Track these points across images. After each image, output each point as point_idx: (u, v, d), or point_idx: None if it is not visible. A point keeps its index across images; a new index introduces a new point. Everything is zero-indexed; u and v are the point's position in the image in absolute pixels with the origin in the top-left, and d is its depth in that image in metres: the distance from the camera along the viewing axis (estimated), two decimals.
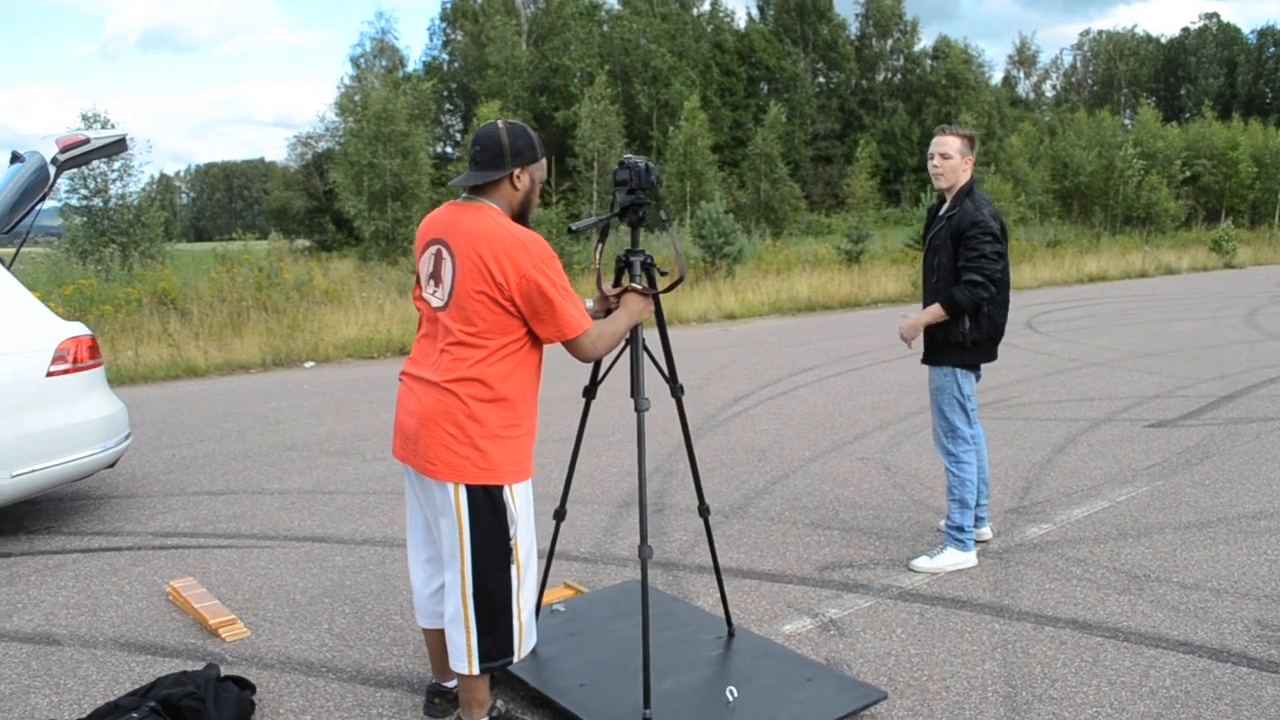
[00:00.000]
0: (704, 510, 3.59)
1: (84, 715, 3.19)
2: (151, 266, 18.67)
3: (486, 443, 2.77)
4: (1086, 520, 5.24)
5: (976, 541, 4.73)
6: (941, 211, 4.54)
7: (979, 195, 4.42)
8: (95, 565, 4.77)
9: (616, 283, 3.20)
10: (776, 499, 5.68)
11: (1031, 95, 73.80)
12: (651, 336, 3.34)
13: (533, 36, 51.98)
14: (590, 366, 3.33)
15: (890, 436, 7.14)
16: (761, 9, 65.60)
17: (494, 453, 2.78)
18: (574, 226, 3.25)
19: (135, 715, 3.03)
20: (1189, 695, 3.38)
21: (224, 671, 3.40)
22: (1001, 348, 4.63)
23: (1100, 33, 76.51)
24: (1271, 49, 71.23)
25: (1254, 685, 3.44)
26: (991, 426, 7.41)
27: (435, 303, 2.82)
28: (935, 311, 4.41)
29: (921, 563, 4.52)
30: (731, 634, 3.67)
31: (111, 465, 5.60)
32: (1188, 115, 48.25)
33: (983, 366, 4.58)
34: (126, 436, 5.65)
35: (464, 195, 2.86)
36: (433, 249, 2.83)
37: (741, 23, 63.25)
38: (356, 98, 31.46)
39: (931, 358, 4.57)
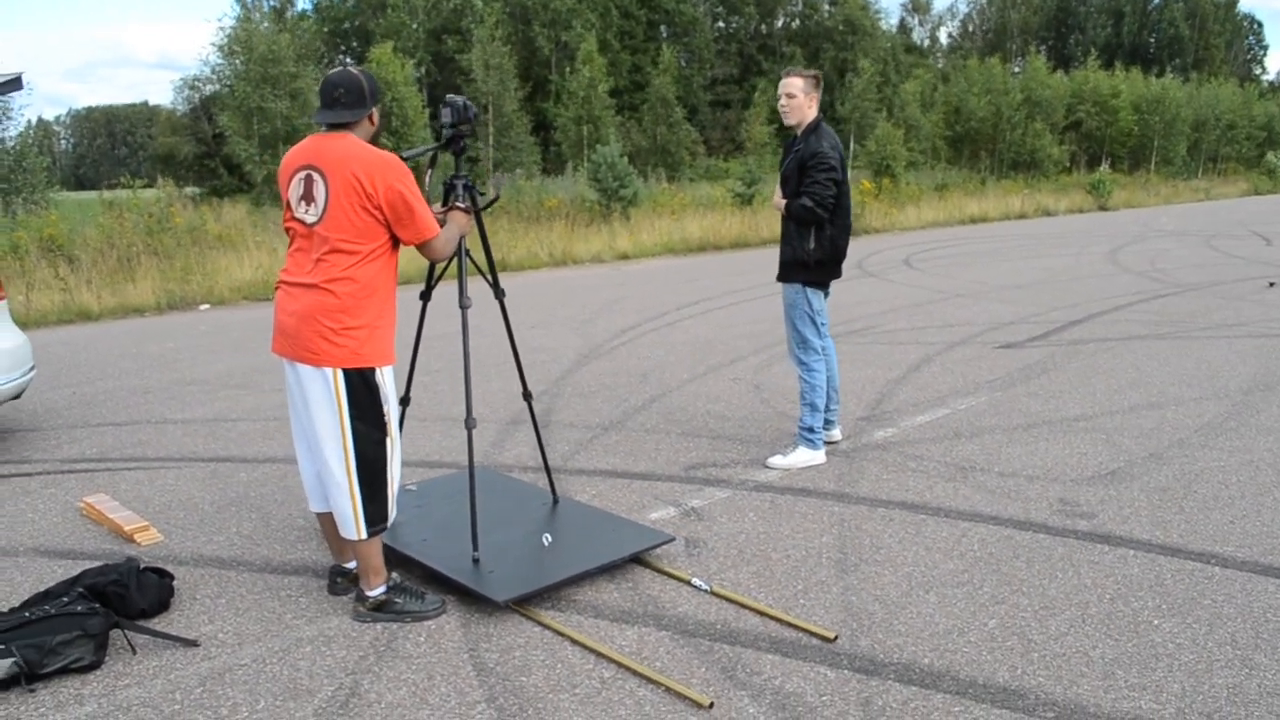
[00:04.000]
0: (527, 396, 4.21)
1: (15, 605, 3.50)
2: (36, 213, 18.22)
3: (359, 332, 3.26)
4: (928, 425, 5.87)
5: (827, 443, 5.31)
6: (793, 146, 5.02)
7: (823, 130, 4.90)
8: (5, 489, 5.01)
9: (445, 203, 3.67)
10: (653, 414, 6.19)
11: (926, 42, 75.26)
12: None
13: None
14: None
15: (763, 360, 7.70)
16: None
17: (365, 340, 3.27)
18: (405, 154, 3.65)
19: (65, 599, 3.37)
20: (992, 555, 3.99)
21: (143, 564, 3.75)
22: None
23: None
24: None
25: (1047, 547, 4.08)
26: (857, 349, 8.05)
27: (309, 219, 3.24)
28: (791, 206, 4.90)
29: (776, 460, 5.08)
30: (556, 501, 4.31)
31: (17, 397, 5.79)
32: (1077, 64, 50.07)
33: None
34: (30, 369, 5.84)
35: (325, 128, 3.29)
36: (302, 174, 3.25)
37: None
38: (238, 35, 30.49)
39: (784, 275, 5.09)
